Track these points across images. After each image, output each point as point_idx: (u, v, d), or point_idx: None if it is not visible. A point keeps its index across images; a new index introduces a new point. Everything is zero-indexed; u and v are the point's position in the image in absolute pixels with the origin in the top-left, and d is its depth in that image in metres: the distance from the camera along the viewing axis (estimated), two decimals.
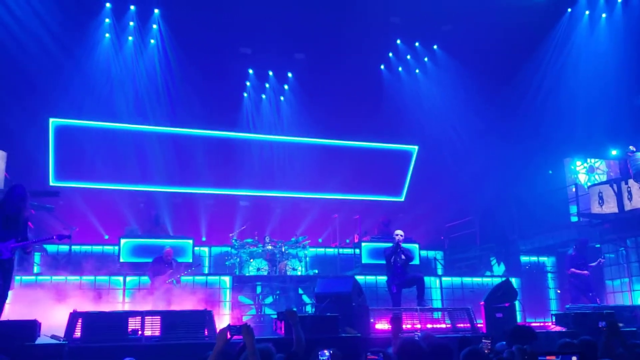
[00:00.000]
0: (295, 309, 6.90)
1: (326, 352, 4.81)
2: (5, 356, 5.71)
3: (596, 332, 5.60)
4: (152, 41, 16.51)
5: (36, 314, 7.15)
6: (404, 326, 9.21)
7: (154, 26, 16.39)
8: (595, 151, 16.64)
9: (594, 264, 12.79)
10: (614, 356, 5.25)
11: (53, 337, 7.09)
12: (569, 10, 16.99)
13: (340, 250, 15.09)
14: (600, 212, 13.32)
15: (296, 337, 5.64)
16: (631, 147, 13.26)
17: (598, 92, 15.83)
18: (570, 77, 16.60)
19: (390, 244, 11.52)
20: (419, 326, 9.33)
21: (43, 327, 7.01)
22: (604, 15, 16.63)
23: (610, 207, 13.08)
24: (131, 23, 16.16)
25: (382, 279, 12.17)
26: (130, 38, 16.31)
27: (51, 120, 15.43)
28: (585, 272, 12.49)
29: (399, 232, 11.40)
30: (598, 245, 14.00)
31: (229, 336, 4.38)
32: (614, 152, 16.51)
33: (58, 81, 14.85)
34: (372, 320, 9.12)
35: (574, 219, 14.96)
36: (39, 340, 6.69)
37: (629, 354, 5.20)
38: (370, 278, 13.32)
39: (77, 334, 7.27)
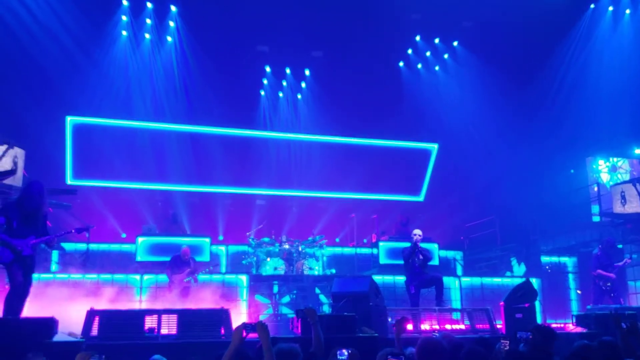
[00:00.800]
0: (313, 307, 6.79)
1: (345, 352, 4.71)
2: (40, 354, 5.65)
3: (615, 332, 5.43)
4: (169, 39, 16.55)
5: (54, 312, 7.14)
6: (422, 327, 9.12)
7: (171, 23, 16.44)
8: (618, 150, 16.38)
9: (620, 263, 12.53)
10: (635, 357, 5.09)
11: (70, 334, 7.07)
12: (592, 6, 16.75)
13: (358, 250, 14.98)
14: (622, 211, 13.13)
15: (315, 337, 5.51)
16: None
17: (621, 90, 15.60)
18: (593, 74, 16.38)
19: (408, 244, 11.36)
20: (437, 327, 9.20)
21: (61, 324, 6.98)
22: (628, 11, 16.40)
23: (632, 206, 12.90)
24: (148, 20, 16.23)
25: (401, 279, 12.04)
26: (147, 36, 16.38)
27: (68, 118, 15.48)
28: (612, 274, 12.20)
29: (417, 231, 11.20)
30: (620, 246, 13.75)
31: (244, 334, 4.29)
32: (637, 151, 16.24)
33: (75, 79, 14.93)
34: (389, 320, 9.00)
35: (596, 218, 14.75)
36: (56, 338, 6.66)
37: None
38: (388, 278, 13.21)
39: (94, 331, 7.27)
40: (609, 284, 12.14)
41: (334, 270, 13.89)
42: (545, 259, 14.96)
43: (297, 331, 7.76)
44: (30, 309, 8.07)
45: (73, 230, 7.92)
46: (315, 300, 12.75)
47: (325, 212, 16.90)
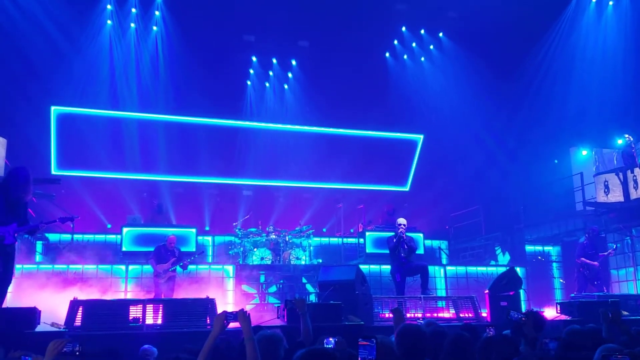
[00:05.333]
0: (303, 297, 6.77)
1: (331, 340, 4.71)
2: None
3: (600, 320, 5.51)
4: (155, 28, 16.42)
5: (38, 302, 7.08)
6: (408, 315, 9.15)
7: (157, 13, 16.31)
8: (601, 140, 16.48)
9: (605, 253, 12.66)
10: (618, 344, 5.14)
11: (53, 324, 7.02)
12: None
13: (345, 240, 15.02)
14: (605, 201, 13.24)
15: (304, 327, 5.50)
16: (627, 136, 13.15)
17: (604, 81, 15.67)
18: (576, 65, 16.44)
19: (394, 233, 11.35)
20: (419, 314, 9.25)
21: (44, 315, 6.93)
22: (610, 2, 16.44)
23: (616, 195, 13.02)
24: (133, 10, 16.08)
25: (387, 268, 12.08)
26: (132, 25, 16.21)
27: (53, 108, 15.37)
28: (596, 263, 12.36)
29: (402, 220, 11.03)
30: (603, 235, 13.89)
31: (225, 322, 4.28)
32: (620, 142, 16.35)
33: (60, 69, 14.77)
34: (376, 311, 9.03)
35: (580, 208, 14.85)
36: (38, 328, 6.61)
37: (632, 341, 5.09)
38: (375, 267, 13.27)
39: (78, 322, 7.20)
40: (587, 272, 12.32)
41: (320, 260, 13.91)
42: (529, 248, 15.07)
43: (283, 320, 7.77)
44: (14, 300, 8.02)
45: (57, 220, 7.70)
46: (302, 290, 12.77)
47: (312, 203, 16.90)
